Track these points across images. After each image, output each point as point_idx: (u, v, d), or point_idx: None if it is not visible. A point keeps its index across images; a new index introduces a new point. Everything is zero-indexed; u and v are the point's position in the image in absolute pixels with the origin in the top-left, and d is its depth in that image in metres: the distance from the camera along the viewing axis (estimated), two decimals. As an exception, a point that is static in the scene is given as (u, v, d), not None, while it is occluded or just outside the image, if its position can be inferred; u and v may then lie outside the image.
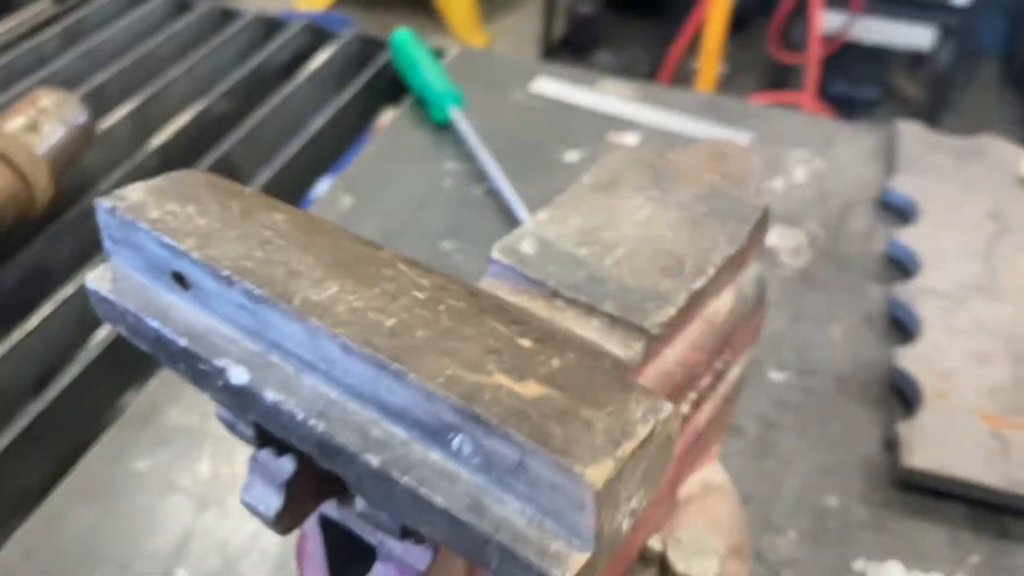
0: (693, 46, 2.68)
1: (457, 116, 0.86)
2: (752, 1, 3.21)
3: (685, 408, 0.42)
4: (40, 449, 0.61)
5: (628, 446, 0.24)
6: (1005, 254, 0.72)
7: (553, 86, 0.94)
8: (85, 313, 0.69)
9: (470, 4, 3.24)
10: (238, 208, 0.30)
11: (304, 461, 0.32)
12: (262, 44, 1.01)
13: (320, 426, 0.27)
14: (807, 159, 0.85)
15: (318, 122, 0.88)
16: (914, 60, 2.68)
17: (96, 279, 0.31)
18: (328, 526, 0.39)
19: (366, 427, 0.26)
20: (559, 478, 0.23)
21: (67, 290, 0.70)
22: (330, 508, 0.36)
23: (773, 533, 0.56)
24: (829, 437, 0.62)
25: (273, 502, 0.32)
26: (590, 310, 0.38)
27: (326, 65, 0.97)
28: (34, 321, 0.67)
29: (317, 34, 1.04)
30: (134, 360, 0.66)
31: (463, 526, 0.24)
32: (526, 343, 0.27)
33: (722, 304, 0.44)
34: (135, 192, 0.30)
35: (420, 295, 0.28)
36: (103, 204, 0.30)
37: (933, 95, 2.44)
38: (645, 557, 0.45)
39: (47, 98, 0.73)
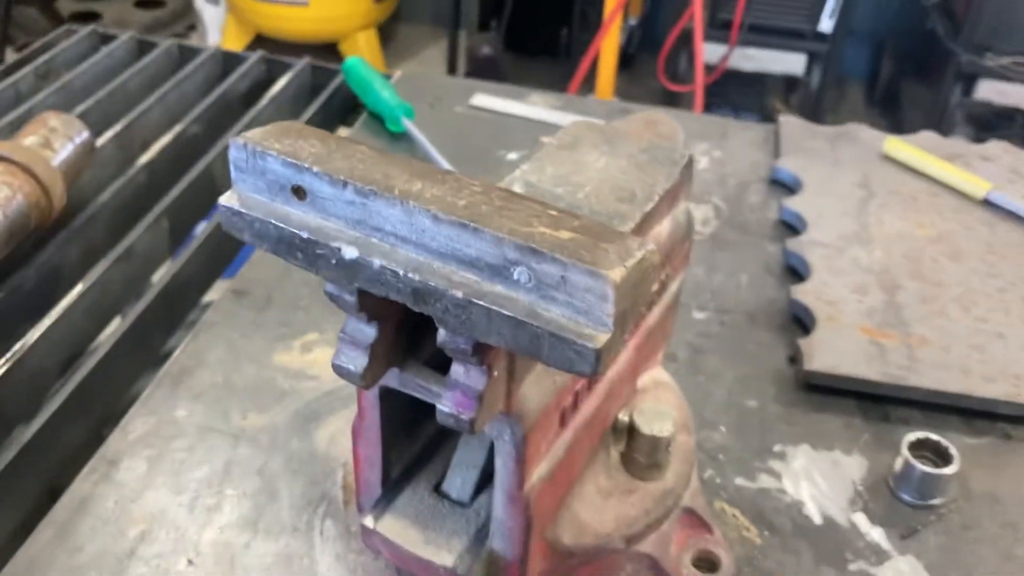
0: (588, 83, 2.87)
1: (410, 126, 0.99)
2: (638, 39, 3.45)
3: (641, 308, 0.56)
4: (85, 414, 0.70)
5: (631, 261, 0.37)
6: (873, 212, 0.89)
7: (490, 100, 1.08)
8: (100, 305, 0.79)
9: (374, 50, 3.38)
10: (334, 142, 0.43)
11: (383, 329, 0.44)
12: (223, 76, 1.12)
13: (416, 277, 0.39)
14: (708, 150, 1.01)
15: (284, 138, 1.00)
16: (789, 84, 2.94)
17: (226, 199, 0.43)
18: (385, 399, 0.50)
19: (448, 274, 0.39)
20: (590, 281, 0.36)
21: (82, 286, 0.79)
22: (391, 379, 0.48)
23: (708, 429, 0.70)
24: (745, 356, 0.76)
25: (361, 361, 0.44)
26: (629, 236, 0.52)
27: (284, 90, 1.09)
28: (56, 312, 0.77)
29: (272, 65, 1.15)
30: (146, 334, 0.77)
31: (524, 327, 0.37)
32: (554, 212, 0.40)
33: (663, 228, 0.58)
34: (257, 134, 0.42)
35: (477, 189, 0.41)
36: (236, 141, 0.42)
37: (806, 115, 2.68)
38: (617, 428, 0.58)
39: (55, 119, 0.83)
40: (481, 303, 0.38)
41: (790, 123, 1.03)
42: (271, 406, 0.70)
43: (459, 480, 0.54)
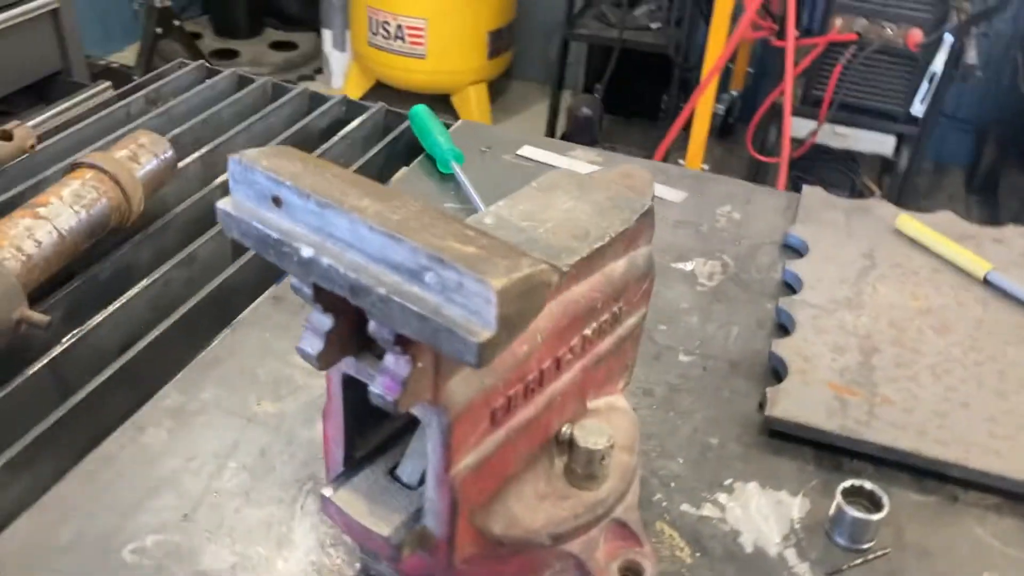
0: (681, 146, 2.95)
1: (457, 169, 1.09)
2: (738, 110, 3.51)
3: (588, 332, 0.64)
4: (128, 386, 0.82)
5: (517, 274, 0.45)
6: (871, 281, 0.94)
7: (536, 151, 1.17)
8: (161, 300, 0.91)
9: (483, 104, 3.55)
10: (311, 164, 0.52)
11: (338, 321, 0.53)
12: (307, 112, 1.26)
13: (353, 275, 0.48)
14: (728, 212, 1.08)
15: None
16: (885, 165, 2.95)
17: (223, 203, 0.53)
18: (347, 386, 0.59)
19: (377, 275, 0.48)
20: (479, 287, 0.44)
21: (146, 282, 0.92)
22: (349, 367, 0.57)
23: (667, 459, 0.76)
24: (718, 400, 0.82)
25: (317, 345, 0.53)
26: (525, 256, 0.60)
27: (356, 130, 1.21)
28: (121, 301, 0.89)
29: (351, 106, 1.28)
30: (194, 327, 0.88)
31: (427, 321, 0.46)
32: (471, 233, 0.48)
33: (618, 267, 0.65)
34: (253, 152, 0.53)
35: (413, 209, 0.50)
36: (233, 157, 0.52)
37: (895, 197, 2.68)
38: (559, 441, 0.65)
39: (145, 137, 0.97)
40: (397, 299, 0.46)
41: (813, 193, 1.09)
42: (285, 397, 0.80)
43: (410, 466, 0.62)
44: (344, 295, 0.49)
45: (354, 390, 0.60)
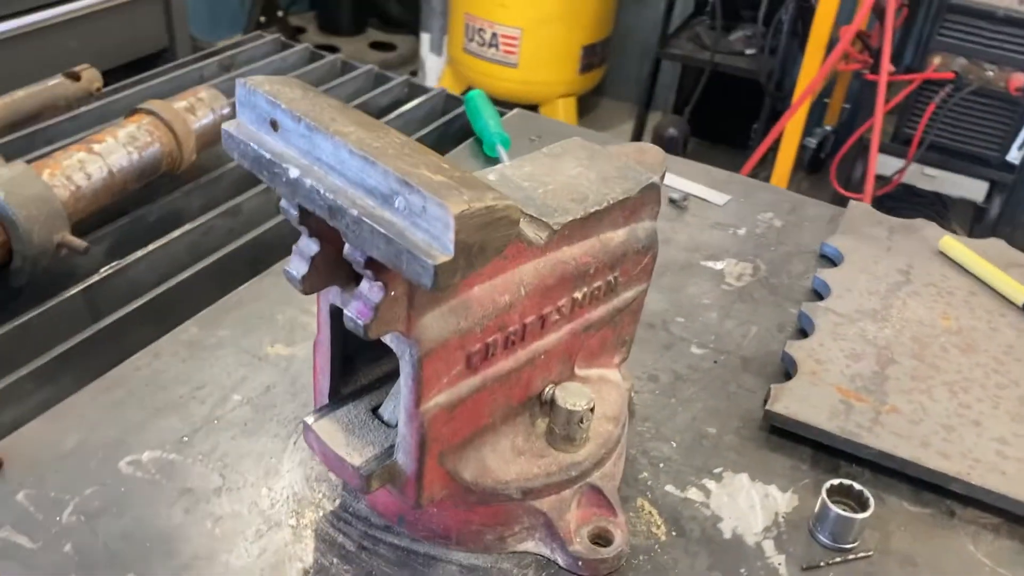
0: (767, 174, 2.92)
1: (502, 152, 1.11)
2: (830, 145, 3.45)
3: (579, 295, 0.64)
4: (154, 319, 0.85)
5: (478, 204, 0.46)
6: (902, 296, 0.92)
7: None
8: (200, 245, 0.95)
9: (570, 117, 3.57)
10: (311, 93, 0.55)
11: (323, 247, 0.55)
12: (371, 90, 1.29)
13: (330, 196, 0.50)
14: (770, 219, 1.07)
15: (397, 146, 1.14)
16: (972, 209, 2.85)
17: (227, 125, 0.56)
18: (335, 318, 0.61)
19: (353, 197, 0.50)
20: (439, 211, 0.46)
21: (189, 226, 0.96)
22: (336, 298, 0.59)
23: (660, 441, 0.76)
24: (724, 393, 0.81)
25: (302, 268, 0.55)
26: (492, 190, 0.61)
27: (415, 109, 1.24)
28: (162, 241, 0.93)
29: (413, 88, 1.31)
30: (226, 274, 0.92)
31: (392, 243, 0.47)
32: (445, 166, 0.50)
33: (616, 235, 0.66)
34: (257, 78, 0.55)
35: (396, 140, 0.51)
36: (240, 81, 0.55)
37: (984, 243, 2.60)
38: (544, 402, 0.66)
39: (205, 92, 1.01)
40: (368, 221, 0.48)
41: (858, 208, 1.07)
42: (297, 342, 0.82)
43: (392, 406, 0.64)
44: (324, 216, 0.51)
45: (342, 323, 0.62)
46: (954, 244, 0.99)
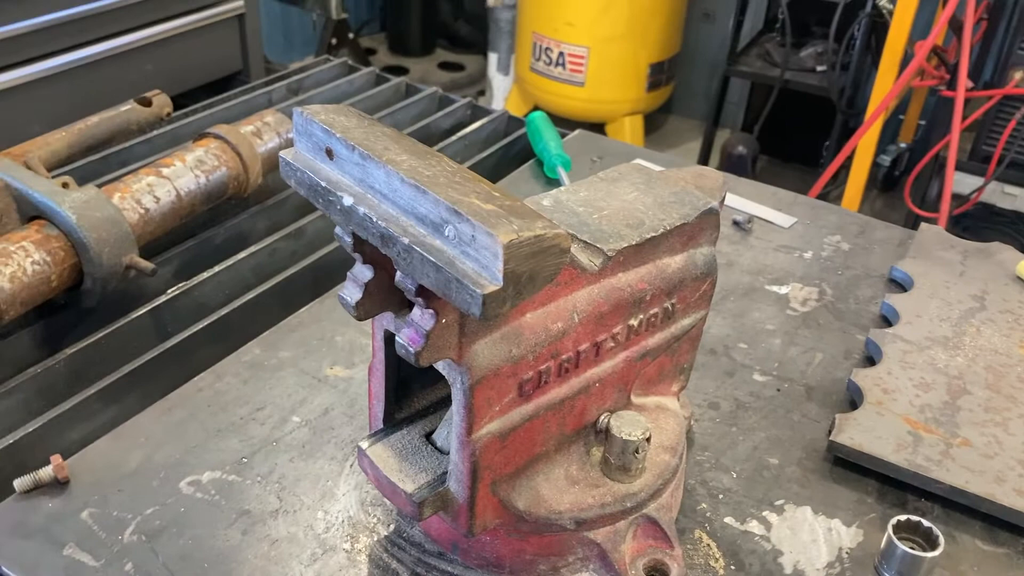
0: (840, 193, 2.86)
1: (563, 174, 1.10)
2: (905, 162, 3.37)
3: (634, 322, 0.63)
4: (218, 339, 0.87)
5: (528, 233, 0.46)
6: (976, 323, 0.88)
7: (647, 164, 1.17)
8: (265, 266, 0.97)
9: (637, 135, 3.55)
10: (366, 122, 0.55)
11: (377, 274, 0.55)
12: (434, 112, 1.30)
13: (383, 224, 0.50)
14: (837, 242, 1.04)
15: (459, 168, 1.15)
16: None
17: (285, 153, 0.57)
18: (390, 343, 0.62)
19: (405, 225, 0.50)
20: (488, 240, 0.45)
21: (254, 248, 0.97)
22: (390, 323, 0.59)
23: (720, 472, 0.74)
24: (787, 422, 0.79)
25: (356, 294, 0.56)
26: (574, 238, 0.61)
27: (476, 131, 1.25)
28: (228, 263, 0.95)
29: (476, 110, 1.32)
30: (289, 295, 0.93)
31: (441, 271, 0.47)
32: (496, 195, 0.50)
33: (674, 261, 0.65)
34: (314, 107, 0.56)
35: (448, 168, 0.51)
36: (297, 110, 0.55)
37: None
38: (599, 431, 0.65)
39: (271, 116, 1.03)
40: (418, 250, 0.48)
41: (930, 231, 1.04)
42: (356, 364, 0.83)
43: (446, 432, 0.64)
44: (376, 244, 0.51)
45: (393, 340, 0.62)
46: (1032, 269, 0.95)
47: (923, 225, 1.05)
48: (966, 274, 0.96)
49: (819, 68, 3.09)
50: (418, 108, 1.32)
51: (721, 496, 0.72)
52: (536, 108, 3.66)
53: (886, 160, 3.33)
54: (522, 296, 0.48)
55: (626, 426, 0.63)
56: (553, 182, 1.12)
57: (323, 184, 0.54)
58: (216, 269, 0.93)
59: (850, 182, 2.77)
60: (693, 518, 0.70)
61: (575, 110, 3.45)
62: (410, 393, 0.67)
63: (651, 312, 0.65)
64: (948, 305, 0.91)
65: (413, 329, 0.53)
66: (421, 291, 0.51)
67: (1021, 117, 2.46)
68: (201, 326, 0.86)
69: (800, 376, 0.85)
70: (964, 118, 2.43)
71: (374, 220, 0.51)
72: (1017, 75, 2.47)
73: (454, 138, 1.21)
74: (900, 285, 0.97)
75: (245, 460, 0.73)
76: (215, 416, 0.77)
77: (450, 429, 0.63)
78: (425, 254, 0.48)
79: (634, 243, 0.61)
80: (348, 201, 0.52)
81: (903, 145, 3.38)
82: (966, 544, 0.69)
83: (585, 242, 0.61)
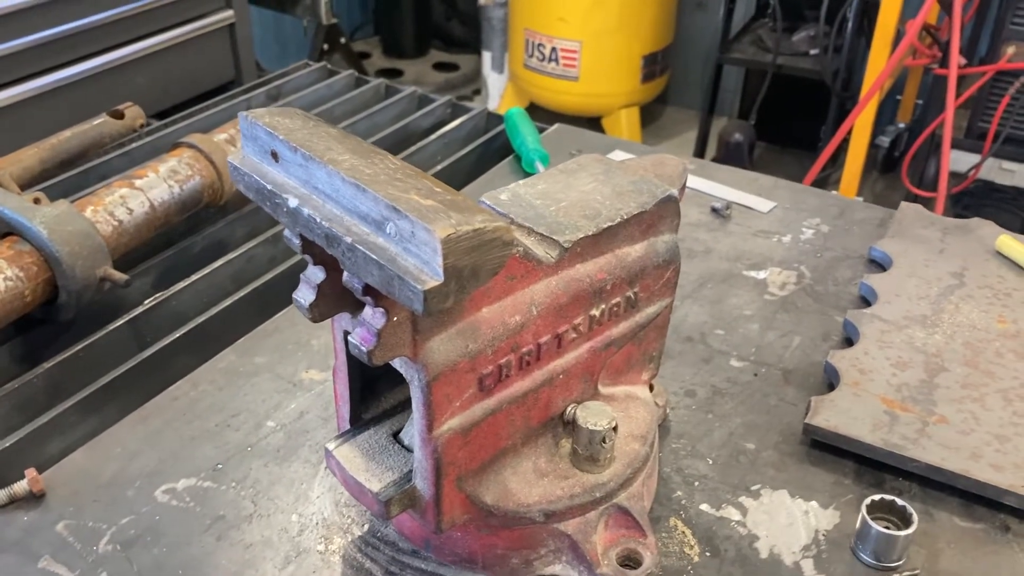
0: (838, 177, 2.84)
1: (540, 168, 1.10)
2: (904, 143, 3.35)
3: (595, 312, 0.63)
4: (197, 348, 0.87)
5: (466, 227, 0.46)
6: (954, 300, 0.88)
7: (625, 156, 1.17)
8: (243, 272, 0.96)
9: (634, 127, 3.54)
10: (310, 122, 0.55)
11: (330, 275, 0.55)
12: (413, 112, 1.30)
13: (326, 224, 0.50)
14: (816, 224, 1.04)
15: (440, 167, 1.15)
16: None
17: (232, 158, 0.57)
18: (347, 340, 0.61)
19: (348, 225, 0.50)
20: (427, 236, 0.45)
21: (231, 255, 0.97)
22: (348, 324, 0.59)
23: (695, 459, 0.74)
24: (764, 407, 0.79)
25: (309, 296, 0.56)
26: (530, 231, 0.61)
27: (455, 130, 1.24)
28: (205, 271, 0.95)
29: (456, 108, 1.32)
30: (267, 301, 0.93)
31: (384, 269, 0.47)
32: (438, 190, 0.49)
33: (633, 250, 0.65)
34: (258, 111, 0.56)
35: (390, 165, 0.51)
36: (242, 114, 0.55)
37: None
38: (566, 423, 0.65)
39: (243, 123, 1.03)
40: (361, 248, 0.48)
41: (910, 209, 1.03)
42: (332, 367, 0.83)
43: (412, 431, 0.63)
44: (322, 244, 0.51)
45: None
46: (1012, 243, 0.94)
47: (903, 204, 1.05)
48: (946, 251, 0.96)
49: (812, 52, 3.07)
50: (397, 109, 1.32)
51: (697, 483, 0.72)
52: (532, 105, 3.66)
53: (885, 141, 3.31)
54: (465, 291, 0.48)
55: (592, 416, 0.63)
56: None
57: (269, 187, 0.54)
58: (194, 278, 0.94)
59: (847, 164, 2.75)
60: (668, 506, 0.70)
61: (570, 105, 3.45)
62: (376, 393, 0.67)
63: (613, 302, 0.64)
64: (927, 283, 0.90)
65: (365, 328, 0.53)
66: (368, 290, 0.51)
67: (1016, 92, 2.44)
68: (178, 335, 0.86)
69: (777, 360, 0.84)
70: (958, 95, 2.41)
71: (318, 221, 0.51)
72: (1010, 50, 2.45)
73: (434, 137, 1.21)
74: (879, 265, 0.96)
75: (220, 466, 0.73)
76: (190, 424, 0.77)
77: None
78: (368, 252, 0.48)
79: (591, 233, 0.61)
80: (293, 203, 0.52)
81: (902, 125, 3.36)
82: (943, 521, 0.69)
83: (541, 234, 0.61)
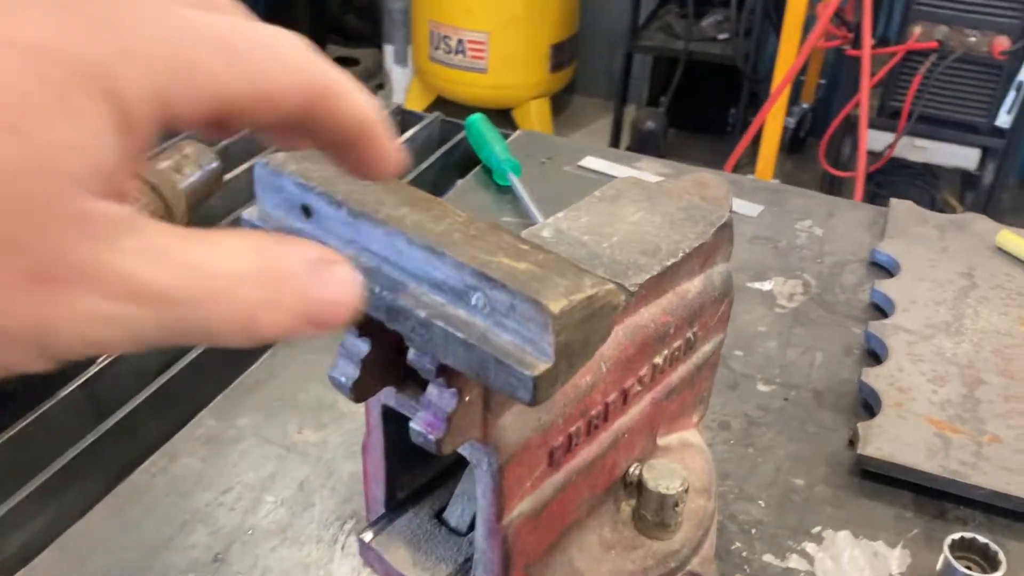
0: (750, 161, 2.86)
1: (515, 180, 1.03)
2: (809, 123, 3.40)
3: (658, 360, 0.56)
4: (164, 410, 0.77)
5: (578, 295, 0.38)
6: (971, 303, 0.85)
7: (599, 162, 1.10)
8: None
9: (545, 118, 3.49)
10: (343, 169, 0.46)
11: (374, 347, 0.47)
12: (356, 123, 1.21)
13: (389, 296, 0.42)
14: (809, 227, 1.00)
15: (399, 184, 1.06)
16: (967, 179, 2.80)
17: (249, 214, 0.47)
18: (388, 420, 0.53)
19: (418, 295, 0.41)
20: (533, 310, 0.38)
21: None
22: (390, 398, 0.51)
23: (746, 502, 0.68)
24: (803, 435, 0.74)
25: (352, 373, 0.47)
26: (589, 274, 0.53)
27: (410, 141, 1.15)
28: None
29: (407, 116, 1.23)
30: (236, 353, 0.83)
31: (474, 350, 0.39)
32: (524, 247, 0.42)
33: (693, 286, 0.58)
34: (279, 156, 0.47)
35: (458, 220, 0.43)
36: (261, 162, 0.46)
37: (977, 213, 2.54)
38: (628, 483, 0.58)
39: (190, 147, 0.92)
40: (440, 324, 0.40)
41: (901, 207, 1.00)
42: (327, 424, 0.74)
43: (459, 509, 0.56)
44: (380, 318, 0.43)
45: (396, 423, 0.54)
46: (1012, 238, 0.92)
47: (893, 201, 1.01)
48: (948, 250, 0.93)
49: (720, 36, 3.08)
50: (342, 120, 1.21)
51: (754, 531, 0.66)
52: (440, 99, 3.56)
53: (791, 122, 3.35)
54: (574, 369, 0.40)
55: (661, 478, 0.56)
56: (505, 190, 1.05)
57: (304, 250, 0.45)
58: (148, 328, 0.82)
59: (763, 149, 2.76)
60: (730, 560, 0.64)
61: (479, 98, 3.37)
62: (410, 466, 0.58)
63: (675, 345, 0.58)
64: (939, 286, 0.87)
65: (431, 412, 0.45)
66: (442, 370, 0.43)
67: (926, 71, 2.49)
68: (142, 398, 0.75)
69: (805, 381, 0.79)
70: (871, 76, 2.44)
71: (377, 292, 0.42)
72: (917, 29, 2.50)
73: (388, 150, 1.12)
74: (885, 269, 0.92)
75: (220, 556, 0.63)
76: (176, 506, 0.67)
77: (464, 506, 0.55)
78: (450, 329, 0.40)
79: (655, 273, 0.54)
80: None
81: (806, 106, 3.41)
82: (1017, 550, 0.65)
83: (601, 278, 0.53)
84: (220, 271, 0.27)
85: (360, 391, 0.48)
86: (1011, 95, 2.43)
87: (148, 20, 0.26)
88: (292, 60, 0.30)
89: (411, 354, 0.43)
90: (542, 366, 0.38)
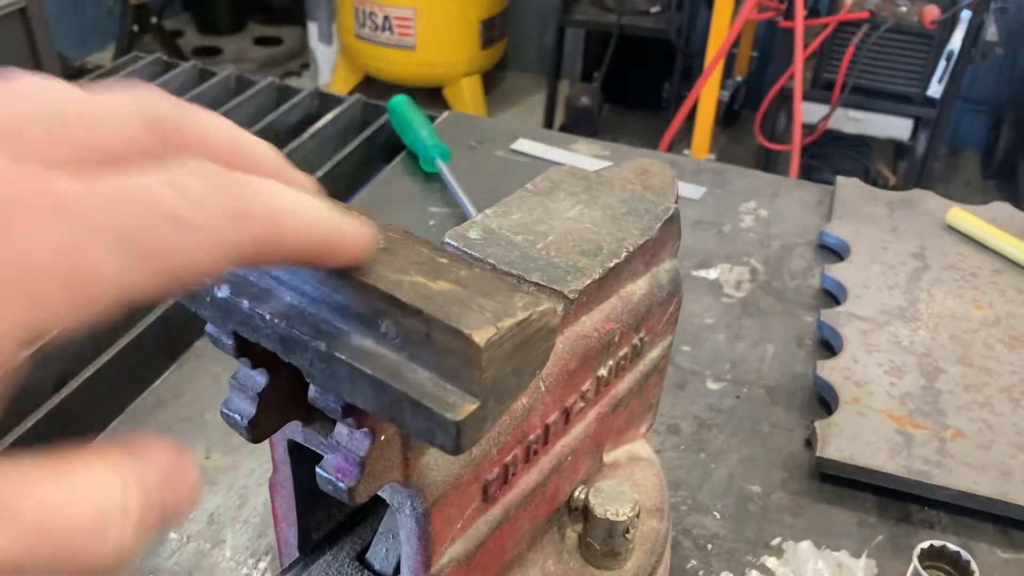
0: (685, 136, 2.82)
1: (442, 167, 0.96)
2: (743, 96, 3.38)
3: (603, 372, 0.50)
4: (55, 434, 0.68)
5: (508, 321, 0.32)
6: (925, 286, 0.81)
7: (533, 145, 1.04)
8: (102, 329, 0.77)
9: (477, 96, 3.41)
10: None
11: (273, 378, 0.40)
12: (275, 107, 1.12)
13: (283, 324, 0.35)
14: (754, 209, 0.95)
15: (319, 173, 0.98)
16: (899, 150, 2.81)
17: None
18: (296, 455, 0.46)
19: (317, 323, 0.34)
20: (455, 342, 0.31)
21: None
22: (296, 433, 0.44)
23: (701, 514, 0.63)
24: (757, 436, 0.69)
25: (247, 411, 0.40)
26: (521, 279, 0.47)
27: (329, 125, 1.08)
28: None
29: (325, 100, 1.15)
30: (139, 362, 0.75)
31: (385, 389, 0.32)
32: (443, 260, 0.35)
33: (638, 287, 0.52)
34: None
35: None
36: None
37: (911, 183, 2.55)
38: (572, 508, 0.52)
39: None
40: (343, 357, 0.33)
41: (848, 185, 0.96)
42: (239, 448, 0.67)
43: (383, 549, 0.49)
44: (273, 348, 0.36)
45: (308, 458, 0.47)
46: (963, 216, 0.88)
47: (840, 179, 0.97)
48: (898, 230, 0.89)
49: (653, 10, 3.03)
50: (255, 104, 1.13)
51: (710, 546, 0.61)
52: (367, 78, 3.46)
53: (725, 95, 3.32)
54: (504, 407, 0.34)
55: (610, 502, 0.51)
56: (433, 177, 0.98)
57: (182, 269, 0.37)
58: (36, 344, 0.74)
59: (698, 125, 2.73)
60: (686, 582, 0.59)
61: (409, 76, 3.28)
62: (326, 502, 0.51)
63: (620, 354, 0.52)
64: (891, 268, 0.83)
65: (341, 456, 0.38)
66: (349, 409, 0.36)
67: (858, 42, 2.47)
68: (31, 423, 0.67)
69: (757, 376, 0.74)
70: (804, 48, 2.42)
71: (267, 319, 0.35)
72: (849, 1, 2.48)
73: (306, 136, 1.04)
74: (835, 252, 0.88)
75: (116, 607, 0.56)
76: (66, 550, 0.59)
77: (389, 545, 0.49)
78: (355, 364, 0.33)
79: (597, 277, 0.48)
80: (223, 292, 0.36)
81: (739, 79, 3.39)
82: (984, 554, 0.61)
83: (537, 284, 0.47)
84: (82, 516, 0.22)
85: (258, 430, 0.41)
86: (941, 64, 2.43)
87: (28, 235, 0.20)
88: (208, 225, 0.24)
89: (312, 391, 0.36)
90: (467, 407, 0.31)
